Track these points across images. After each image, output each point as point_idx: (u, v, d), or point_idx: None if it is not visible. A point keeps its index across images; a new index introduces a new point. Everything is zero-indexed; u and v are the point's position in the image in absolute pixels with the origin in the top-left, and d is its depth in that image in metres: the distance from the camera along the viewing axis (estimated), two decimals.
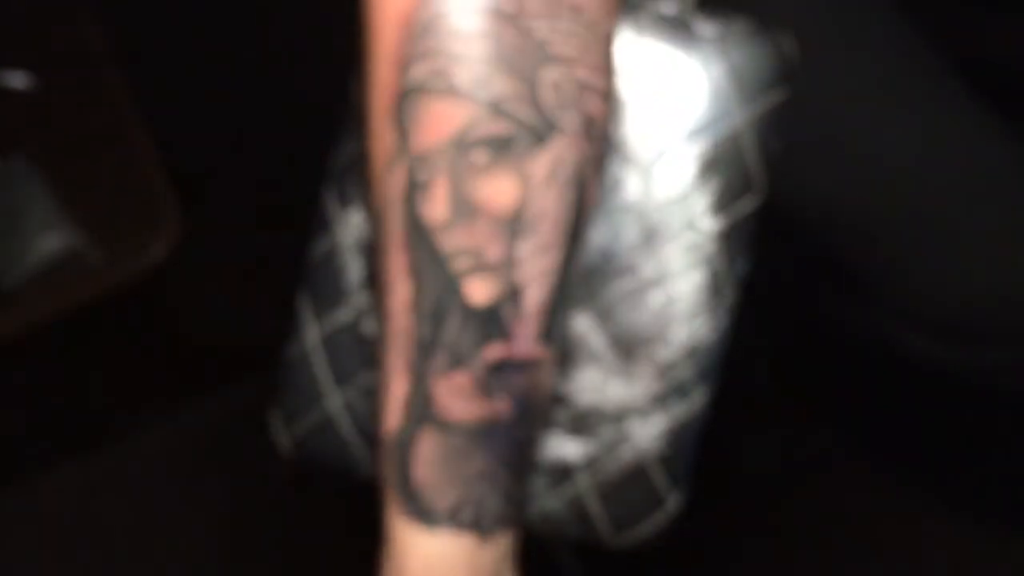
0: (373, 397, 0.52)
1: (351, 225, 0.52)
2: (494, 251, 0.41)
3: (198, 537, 1.07)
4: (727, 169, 0.50)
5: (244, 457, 1.03)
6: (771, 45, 0.50)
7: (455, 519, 0.43)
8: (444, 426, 0.42)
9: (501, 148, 0.40)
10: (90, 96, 1.02)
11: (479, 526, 0.43)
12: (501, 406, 0.43)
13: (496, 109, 0.40)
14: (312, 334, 0.52)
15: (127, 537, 1.09)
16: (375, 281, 0.45)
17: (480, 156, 0.40)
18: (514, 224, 0.41)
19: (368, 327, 0.51)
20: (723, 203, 0.50)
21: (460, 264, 0.41)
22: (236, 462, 1.07)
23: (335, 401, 0.51)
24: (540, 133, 0.41)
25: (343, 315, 0.51)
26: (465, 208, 0.41)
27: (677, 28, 0.50)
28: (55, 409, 1.18)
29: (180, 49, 1.19)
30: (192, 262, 1.03)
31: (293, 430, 0.52)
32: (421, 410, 0.43)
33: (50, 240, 0.99)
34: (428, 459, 0.43)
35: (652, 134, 0.50)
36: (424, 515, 0.43)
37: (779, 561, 0.90)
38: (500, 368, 0.43)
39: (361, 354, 0.51)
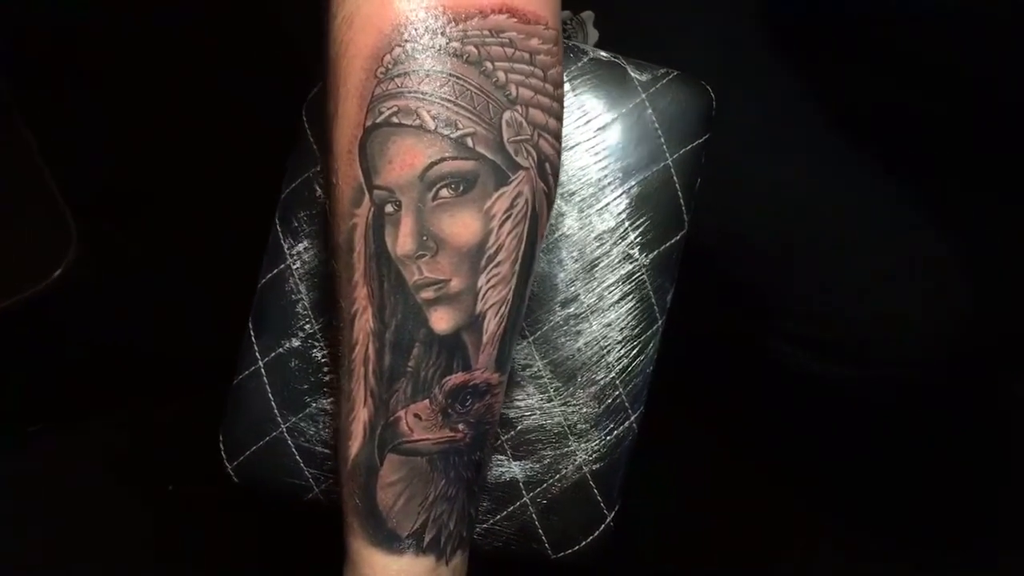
0: (321, 422, 0.52)
1: (299, 255, 0.52)
2: (457, 282, 0.43)
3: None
4: (657, 204, 0.54)
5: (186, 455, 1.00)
6: (695, 92, 0.55)
7: (419, 542, 0.44)
8: (407, 451, 0.44)
9: (466, 184, 0.43)
10: None
11: (439, 547, 0.45)
12: (460, 430, 0.45)
13: (462, 147, 0.42)
14: (262, 360, 0.52)
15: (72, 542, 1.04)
16: (332, 311, 0.46)
17: (446, 191, 0.43)
18: (476, 256, 0.43)
19: (317, 353, 0.52)
20: (654, 235, 0.54)
21: (425, 295, 0.43)
22: (174, 460, 1.03)
23: (283, 426, 0.52)
24: (501, 171, 0.43)
25: (294, 341, 0.52)
26: (430, 241, 0.43)
27: (613, 71, 0.54)
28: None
29: (77, 66, 1.15)
30: (87, 282, 0.99)
31: (239, 452, 0.52)
32: (384, 437, 0.44)
33: None
34: (392, 484, 0.44)
35: (591, 171, 0.53)
36: (389, 540, 0.44)
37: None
38: (460, 393, 0.45)
39: (310, 380, 0.52)
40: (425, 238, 0.43)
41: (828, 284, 0.74)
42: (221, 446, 0.52)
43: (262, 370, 0.52)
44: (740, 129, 0.68)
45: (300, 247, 0.53)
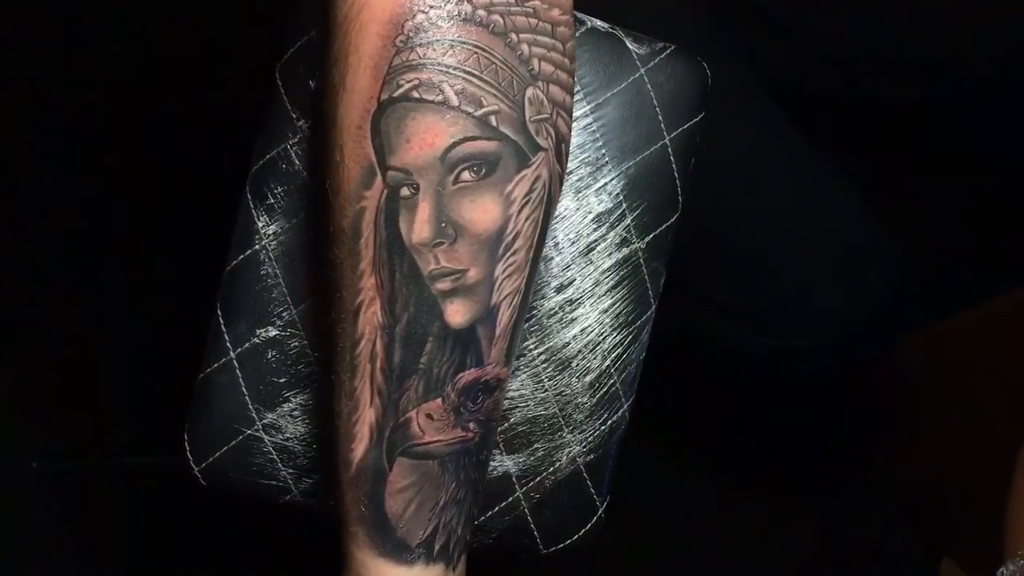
0: (300, 418, 0.48)
1: (276, 235, 0.47)
2: (475, 272, 0.40)
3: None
4: (654, 185, 0.52)
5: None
6: (692, 68, 0.52)
7: (429, 551, 0.41)
8: (418, 454, 0.41)
9: (488, 166, 0.39)
10: None
11: (448, 554, 0.42)
12: (471, 429, 0.42)
13: (486, 126, 0.39)
14: (233, 351, 0.47)
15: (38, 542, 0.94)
16: (325, 301, 0.42)
17: (467, 174, 0.39)
18: (495, 244, 0.40)
19: (297, 343, 0.47)
20: (651, 218, 0.52)
21: (441, 286, 0.40)
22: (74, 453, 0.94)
23: (258, 423, 0.47)
24: (523, 152, 0.40)
25: (271, 330, 0.47)
26: (449, 228, 0.39)
27: (612, 43, 0.51)
28: None
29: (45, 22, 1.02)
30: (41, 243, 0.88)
31: (208, 454, 0.47)
32: (394, 439, 0.40)
33: None
34: (402, 490, 0.41)
35: (587, 150, 0.50)
36: (398, 549, 0.41)
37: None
38: (472, 390, 0.41)
39: (288, 372, 0.47)
40: (444, 224, 0.39)
41: (756, 257, 0.75)
42: (186, 447, 0.47)
43: (234, 362, 0.47)
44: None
45: (275, 226, 0.47)
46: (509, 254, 0.41)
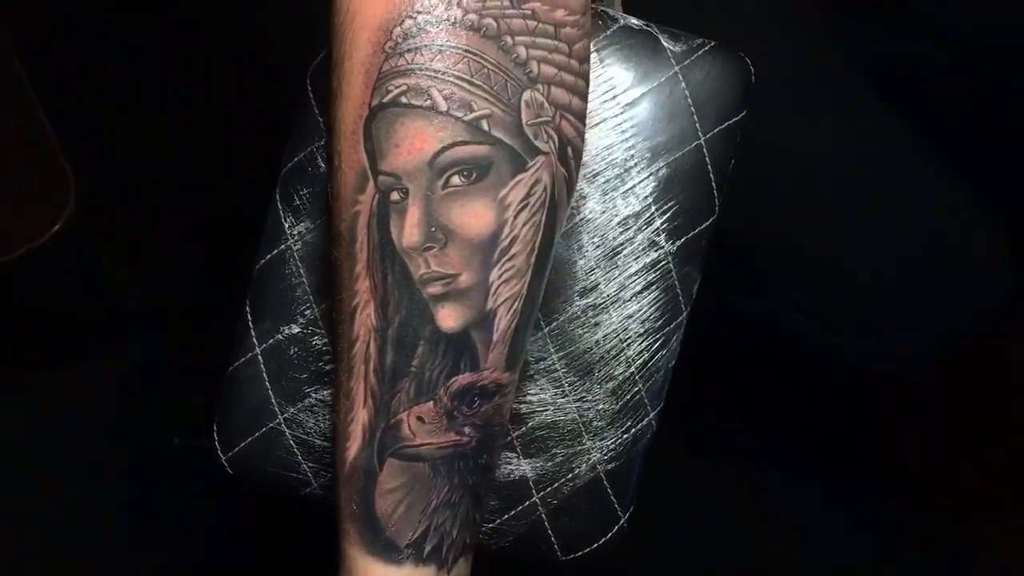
0: (321, 414, 0.50)
1: (300, 235, 0.49)
2: (467, 277, 0.40)
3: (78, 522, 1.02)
4: (687, 187, 0.50)
5: (127, 433, 0.98)
6: (733, 65, 0.50)
7: (419, 552, 0.42)
8: (409, 456, 0.41)
9: (479, 171, 0.39)
10: None
11: (441, 557, 0.42)
12: (467, 433, 0.42)
13: (476, 131, 0.39)
14: (259, 346, 0.49)
15: (60, 516, 1.03)
16: (332, 301, 0.43)
17: (457, 179, 0.39)
18: (488, 249, 0.40)
19: (318, 341, 0.49)
20: (682, 221, 0.50)
21: (432, 290, 0.40)
22: (116, 437, 1.02)
23: (280, 416, 0.49)
24: (519, 156, 0.39)
25: (294, 327, 0.49)
26: (439, 233, 0.39)
27: (645, 41, 0.49)
28: None
29: (82, 25, 1.10)
30: (85, 240, 0.97)
31: (234, 443, 0.49)
32: (385, 440, 0.41)
33: None
34: (392, 491, 0.41)
35: (616, 151, 0.49)
36: (387, 549, 0.41)
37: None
38: (467, 395, 0.41)
39: (309, 369, 0.49)
40: (433, 229, 0.39)
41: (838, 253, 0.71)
42: (215, 436, 0.49)
43: (259, 357, 0.49)
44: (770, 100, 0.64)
45: (301, 227, 0.49)
46: (505, 259, 0.40)
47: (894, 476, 0.95)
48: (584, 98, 0.42)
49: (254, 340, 0.49)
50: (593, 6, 0.50)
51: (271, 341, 0.49)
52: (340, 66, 0.40)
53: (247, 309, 0.49)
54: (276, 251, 0.49)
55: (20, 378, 1.08)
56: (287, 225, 0.49)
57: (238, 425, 0.49)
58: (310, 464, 0.50)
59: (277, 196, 0.49)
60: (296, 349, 0.49)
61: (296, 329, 0.49)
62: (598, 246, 0.49)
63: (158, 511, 0.98)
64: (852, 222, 0.71)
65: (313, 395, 0.49)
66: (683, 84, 0.49)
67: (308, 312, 0.49)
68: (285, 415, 0.49)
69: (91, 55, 1.07)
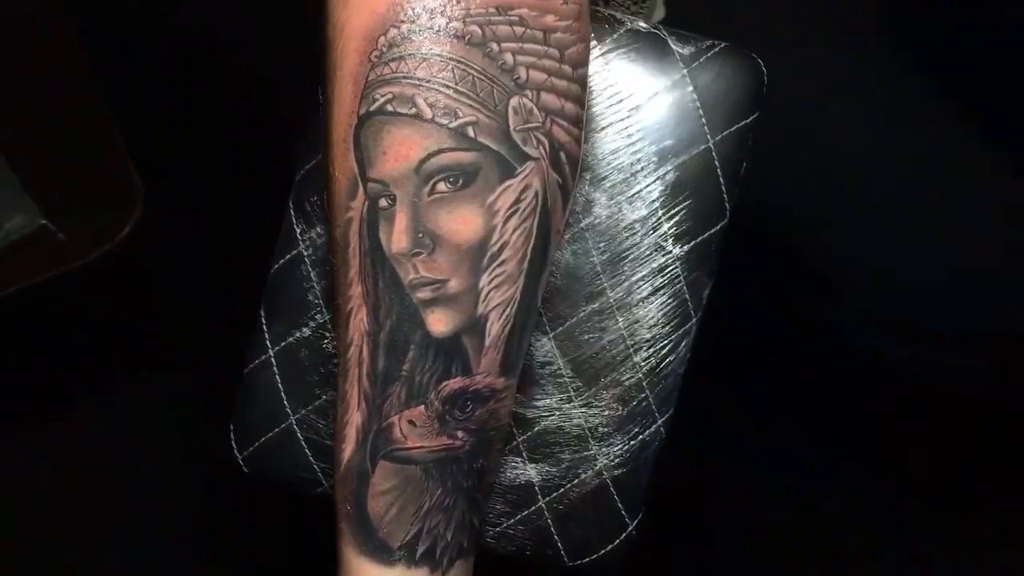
0: (331, 416, 0.51)
1: (312, 240, 0.50)
2: (456, 282, 0.40)
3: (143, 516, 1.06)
4: (695, 191, 0.49)
5: (198, 439, 1.02)
6: (744, 66, 0.49)
7: (411, 554, 0.42)
8: (400, 459, 0.42)
9: (466, 177, 0.39)
10: (54, 80, 0.99)
11: (434, 559, 0.43)
12: (459, 437, 0.42)
13: (462, 137, 0.39)
14: (272, 349, 0.50)
15: (87, 506, 1.08)
16: (333, 305, 0.44)
17: (443, 185, 0.39)
18: (477, 255, 0.40)
19: (328, 344, 0.50)
20: (691, 225, 0.49)
21: (421, 295, 0.40)
22: (189, 443, 1.06)
23: (292, 417, 0.50)
24: (507, 162, 0.40)
25: (305, 330, 0.50)
26: (427, 238, 0.40)
27: (653, 43, 0.49)
28: (24, 381, 1.17)
29: (145, 31, 1.16)
30: (155, 241, 1.01)
31: (249, 442, 0.51)
32: (377, 443, 0.42)
33: (17, 221, 0.99)
34: (384, 492, 0.42)
35: (622, 155, 0.49)
36: (379, 550, 0.42)
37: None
38: (459, 399, 0.42)
39: (319, 371, 0.50)
40: (421, 235, 0.40)
41: (898, 258, 0.68)
42: (232, 434, 0.51)
43: (272, 360, 0.50)
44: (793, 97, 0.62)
45: (313, 233, 0.50)
46: (496, 264, 0.41)
47: (914, 483, 0.91)
48: (580, 103, 0.42)
49: (268, 343, 0.50)
50: (599, 10, 0.50)
51: (284, 344, 0.50)
52: (331, 76, 0.41)
53: (261, 312, 0.51)
54: (289, 256, 0.50)
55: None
56: (299, 231, 0.50)
57: (253, 425, 0.51)
58: (321, 464, 0.51)
59: (291, 203, 0.51)
60: (307, 352, 0.50)
61: (307, 332, 0.50)
62: (604, 251, 0.49)
63: (171, 510, 1.02)
64: (902, 226, 0.69)
65: (324, 397, 0.50)
66: (691, 87, 0.49)
67: (319, 316, 0.50)
68: (297, 416, 0.50)
69: (105, 55, 1.12)
